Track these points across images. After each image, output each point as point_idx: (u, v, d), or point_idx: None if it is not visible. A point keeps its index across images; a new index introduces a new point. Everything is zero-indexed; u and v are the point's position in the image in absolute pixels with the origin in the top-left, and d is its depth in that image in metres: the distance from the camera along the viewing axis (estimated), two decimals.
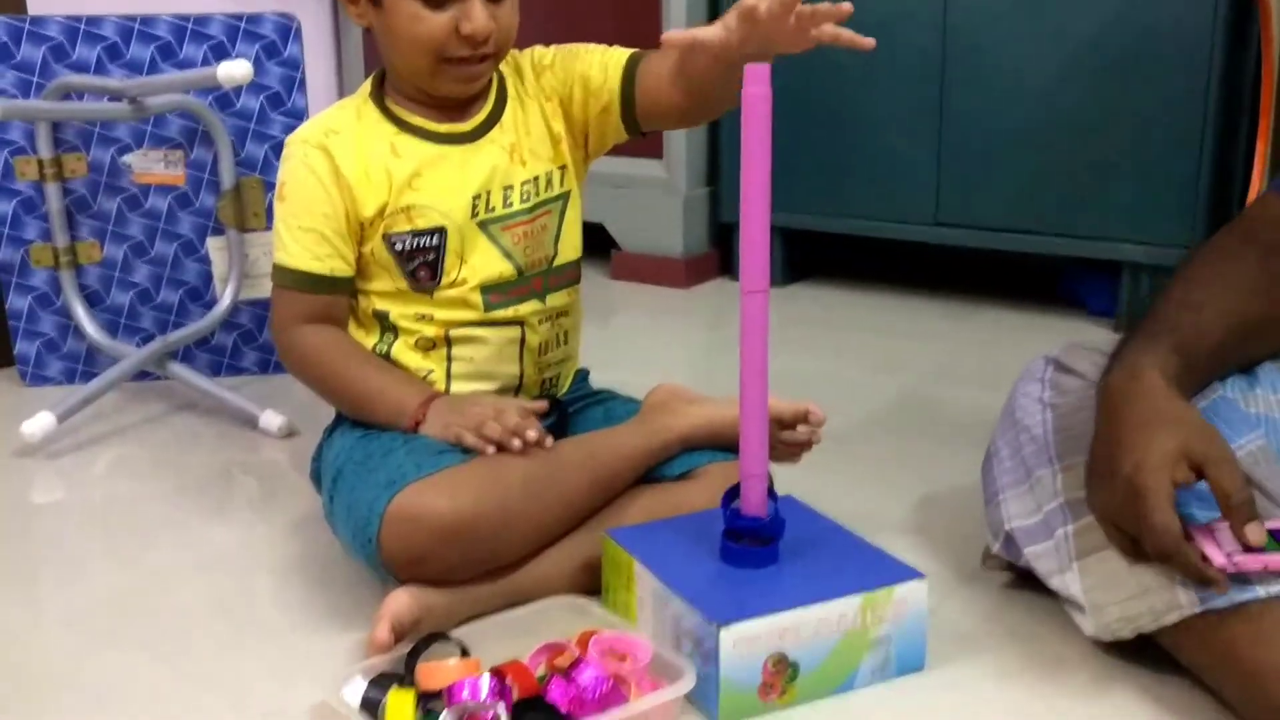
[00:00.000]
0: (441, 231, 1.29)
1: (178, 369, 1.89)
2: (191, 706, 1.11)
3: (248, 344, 2.05)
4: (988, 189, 2.37)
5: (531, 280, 1.34)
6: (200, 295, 2.01)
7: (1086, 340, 1.33)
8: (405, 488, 1.17)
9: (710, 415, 1.33)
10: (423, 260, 1.29)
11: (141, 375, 1.92)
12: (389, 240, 1.29)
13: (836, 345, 2.25)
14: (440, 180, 1.30)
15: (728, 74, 1.21)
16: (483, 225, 1.30)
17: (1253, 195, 2.05)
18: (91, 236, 1.96)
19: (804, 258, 2.66)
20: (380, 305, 1.32)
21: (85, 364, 2.01)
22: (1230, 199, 2.23)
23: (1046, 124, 2.30)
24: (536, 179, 1.33)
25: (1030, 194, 2.34)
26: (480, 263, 1.30)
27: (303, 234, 1.29)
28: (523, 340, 1.34)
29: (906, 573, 1.13)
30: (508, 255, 1.31)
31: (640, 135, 1.38)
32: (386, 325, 1.33)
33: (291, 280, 1.31)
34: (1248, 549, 1.03)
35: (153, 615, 1.28)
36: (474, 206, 1.30)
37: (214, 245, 1.96)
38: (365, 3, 1.28)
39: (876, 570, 1.13)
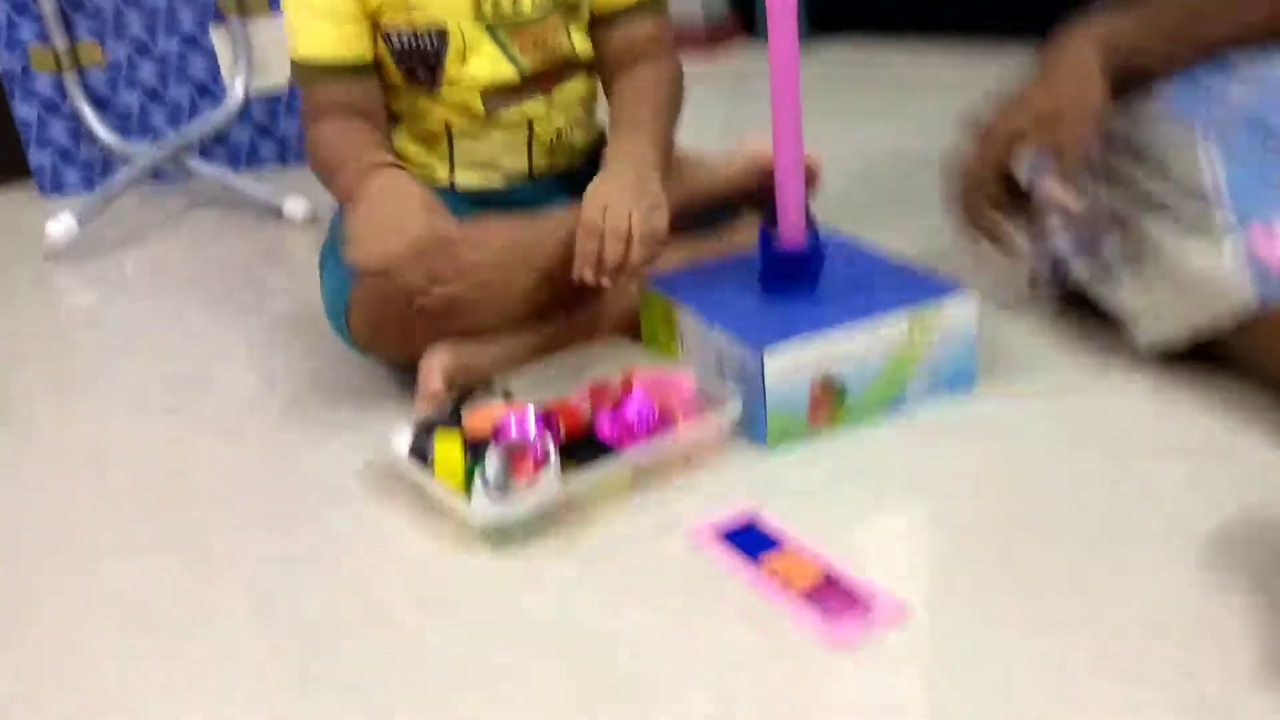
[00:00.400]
0: (442, 34, 1.20)
1: (196, 164, 1.85)
2: (244, 475, 1.12)
3: (264, 137, 2.00)
4: None
5: (538, 81, 1.25)
6: (210, 92, 1.95)
7: None
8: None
9: (708, 176, 1.30)
10: (421, 63, 1.21)
11: (159, 177, 1.89)
12: (387, 36, 1.21)
13: (866, 102, 2.17)
14: None
15: None
16: (490, 28, 1.21)
17: None
18: (90, 36, 1.90)
19: (828, 7, 2.53)
20: (387, 97, 1.25)
21: (102, 171, 1.97)
22: None
23: None
24: None
25: None
26: (480, 66, 1.22)
27: (315, 20, 1.19)
28: (530, 135, 1.27)
29: (954, 289, 1.09)
30: (513, 60, 1.23)
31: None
32: (389, 114, 1.26)
33: (310, 72, 1.21)
34: None
35: (201, 397, 1.28)
36: (477, 8, 1.20)
37: (217, 34, 1.89)
38: None
39: (923, 288, 1.10)
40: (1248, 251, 1.02)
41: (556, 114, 1.27)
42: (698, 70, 2.51)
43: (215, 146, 1.97)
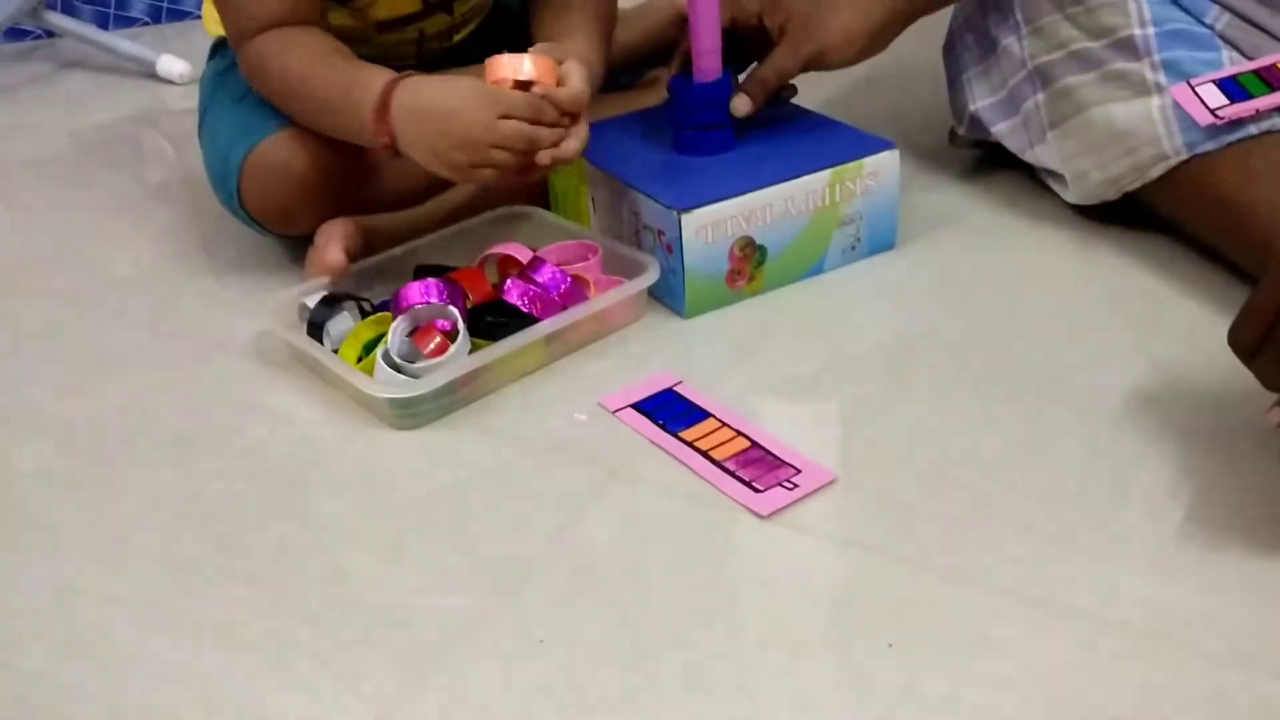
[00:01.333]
0: None
1: (59, 19, 1.71)
2: (128, 352, 1.04)
3: None
4: None
5: (436, 7, 1.14)
6: None
7: None
8: (263, 139, 1.05)
9: (624, 37, 1.19)
10: None
11: (18, 35, 1.75)
12: None
13: None
14: None
15: None
16: None
17: None
18: None
19: None
20: None
21: None
22: None
23: None
24: None
25: None
26: (388, 6, 1.11)
27: None
28: (419, 41, 1.16)
29: (876, 144, 1.05)
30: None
31: None
32: None
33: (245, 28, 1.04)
34: (1235, 93, 0.97)
35: (78, 268, 1.19)
36: None
37: None
38: None
39: (844, 144, 1.05)
40: (1174, 103, 0.99)
41: (452, 25, 1.17)
42: None
43: (81, 3, 1.82)
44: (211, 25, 1.21)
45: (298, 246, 1.11)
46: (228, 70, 1.16)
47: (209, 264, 1.16)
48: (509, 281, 0.97)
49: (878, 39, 1.06)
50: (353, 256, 1.05)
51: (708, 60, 1.04)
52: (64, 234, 1.27)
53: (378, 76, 0.98)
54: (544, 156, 0.95)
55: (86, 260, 1.21)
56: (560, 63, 0.98)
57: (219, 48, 1.21)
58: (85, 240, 1.25)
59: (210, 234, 1.21)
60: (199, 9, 1.88)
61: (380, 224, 1.09)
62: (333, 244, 1.04)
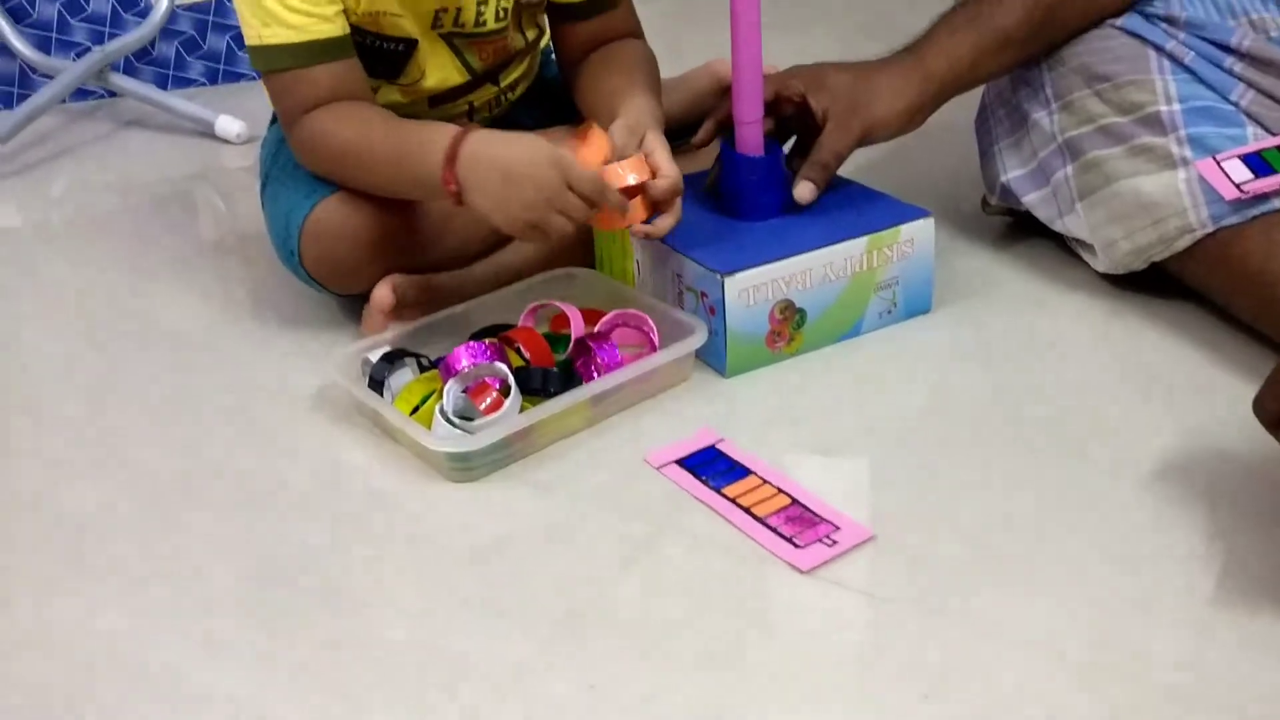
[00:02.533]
0: (411, 43, 1.13)
1: (121, 80, 1.78)
2: (189, 402, 1.09)
3: (192, 53, 1.92)
4: None
5: (487, 76, 1.20)
6: (135, 3, 1.87)
7: None
8: (323, 199, 1.10)
9: (667, 97, 1.25)
10: (382, 62, 1.14)
11: (83, 94, 1.81)
12: (358, 30, 1.11)
13: (814, 17, 2.14)
14: None
15: None
16: (449, 39, 1.15)
17: None
18: None
19: None
20: None
21: (20, 86, 1.88)
22: None
23: None
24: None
25: None
26: (437, 74, 1.16)
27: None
28: (470, 112, 1.22)
29: (913, 212, 1.09)
30: (468, 67, 1.18)
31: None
32: None
33: (292, 57, 1.06)
34: (1259, 168, 1.00)
35: (137, 320, 1.24)
36: (437, 19, 1.13)
37: None
38: None
39: (881, 212, 1.10)
40: (1199, 177, 1.02)
41: (502, 91, 1.23)
42: None
43: (141, 65, 1.90)
44: None
45: (355, 303, 1.15)
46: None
47: (266, 318, 1.21)
48: (571, 352, 1.00)
49: (916, 116, 1.12)
50: (407, 314, 1.09)
51: (750, 132, 1.09)
52: (124, 289, 1.32)
53: (444, 129, 1.03)
54: (638, 230, 1.02)
55: (146, 314, 1.26)
56: (642, 139, 1.03)
57: (273, 120, 1.26)
58: (145, 295, 1.30)
59: (268, 289, 1.26)
60: (255, 72, 1.95)
61: (435, 283, 1.14)
62: (387, 302, 1.09)
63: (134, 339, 1.20)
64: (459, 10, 1.12)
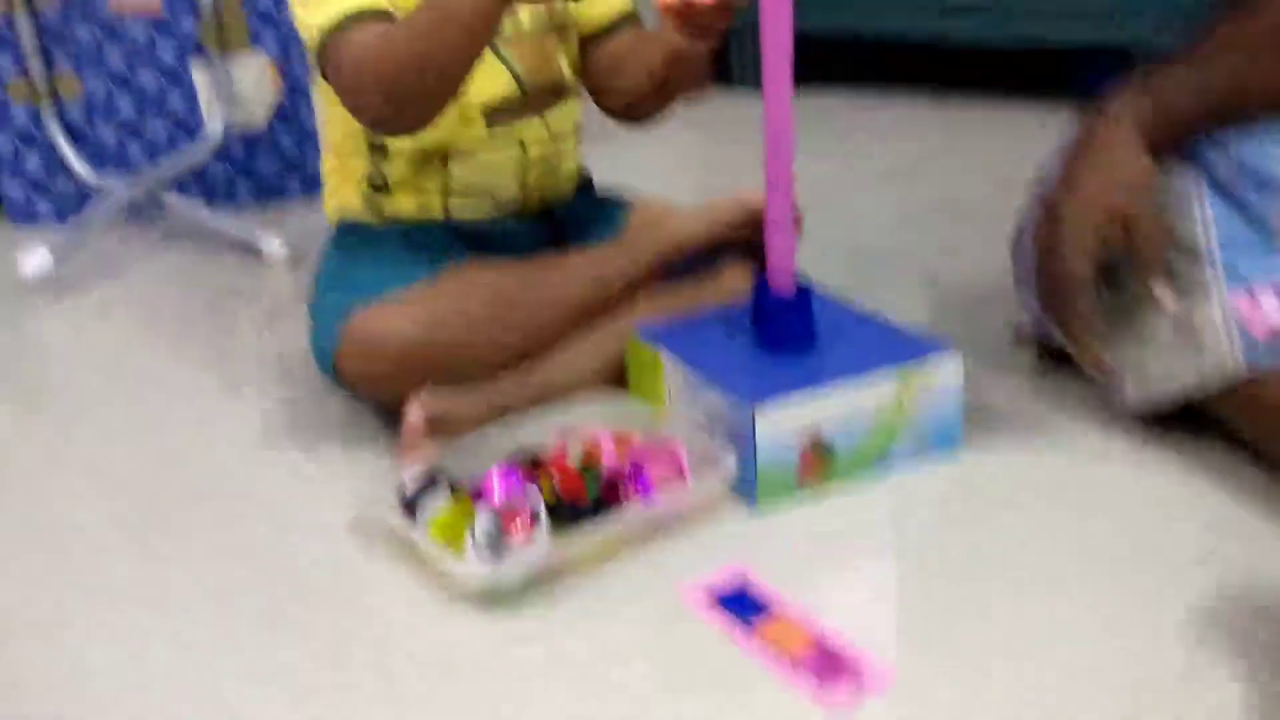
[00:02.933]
0: None
1: (172, 200, 1.84)
2: (223, 523, 1.10)
3: (241, 174, 1.99)
4: None
5: (535, 101, 1.28)
6: (188, 127, 1.94)
7: None
8: (363, 309, 1.14)
9: (693, 227, 1.29)
10: None
11: (135, 216, 1.87)
12: None
13: (845, 150, 2.19)
14: None
15: (656, 90, 1.25)
16: (491, 43, 1.21)
17: None
18: (69, 68, 1.89)
19: (802, 62, 2.56)
20: None
21: (76, 204, 1.95)
22: None
23: None
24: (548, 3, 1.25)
25: None
26: (485, 80, 1.23)
27: None
28: (523, 158, 1.29)
29: (940, 348, 1.11)
30: (513, 71, 1.25)
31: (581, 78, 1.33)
32: (376, 145, 1.26)
33: (346, 23, 1.10)
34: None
35: (177, 437, 1.27)
36: None
37: (197, 67, 1.88)
38: None
39: (909, 348, 1.11)
40: (1234, 315, 1.03)
41: (549, 138, 1.30)
42: (673, 116, 2.54)
43: (191, 183, 1.96)
44: (332, 212, 1.32)
45: (389, 420, 1.17)
46: (346, 250, 1.26)
47: (304, 441, 1.23)
48: (603, 492, 1.02)
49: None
50: (442, 430, 1.11)
51: (783, 270, 1.11)
52: (163, 403, 1.35)
53: None
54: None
55: (183, 436, 1.28)
56: None
57: (337, 234, 1.31)
58: (183, 418, 1.32)
59: (305, 410, 1.28)
60: (300, 192, 2.01)
61: (465, 400, 1.16)
62: (416, 423, 1.11)
63: (178, 457, 1.22)
64: None
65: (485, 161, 1.27)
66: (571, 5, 1.30)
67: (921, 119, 2.34)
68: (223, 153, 1.93)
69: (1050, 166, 1.24)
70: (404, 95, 1.09)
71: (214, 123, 1.85)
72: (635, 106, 1.31)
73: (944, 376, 1.10)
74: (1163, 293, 1.06)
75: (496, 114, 1.25)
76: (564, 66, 1.30)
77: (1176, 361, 1.07)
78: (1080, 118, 1.13)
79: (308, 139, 1.99)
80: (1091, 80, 2.35)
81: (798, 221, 1.31)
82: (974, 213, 1.76)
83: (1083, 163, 1.09)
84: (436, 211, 1.28)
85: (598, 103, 1.34)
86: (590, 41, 1.31)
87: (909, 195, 1.89)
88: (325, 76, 1.16)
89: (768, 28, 1.05)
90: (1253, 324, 1.02)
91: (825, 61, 2.60)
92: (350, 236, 1.29)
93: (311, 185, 2.02)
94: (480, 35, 1.08)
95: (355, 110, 1.14)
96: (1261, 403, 1.03)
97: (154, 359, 1.47)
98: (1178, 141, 1.13)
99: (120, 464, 1.22)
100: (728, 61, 2.58)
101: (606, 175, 1.45)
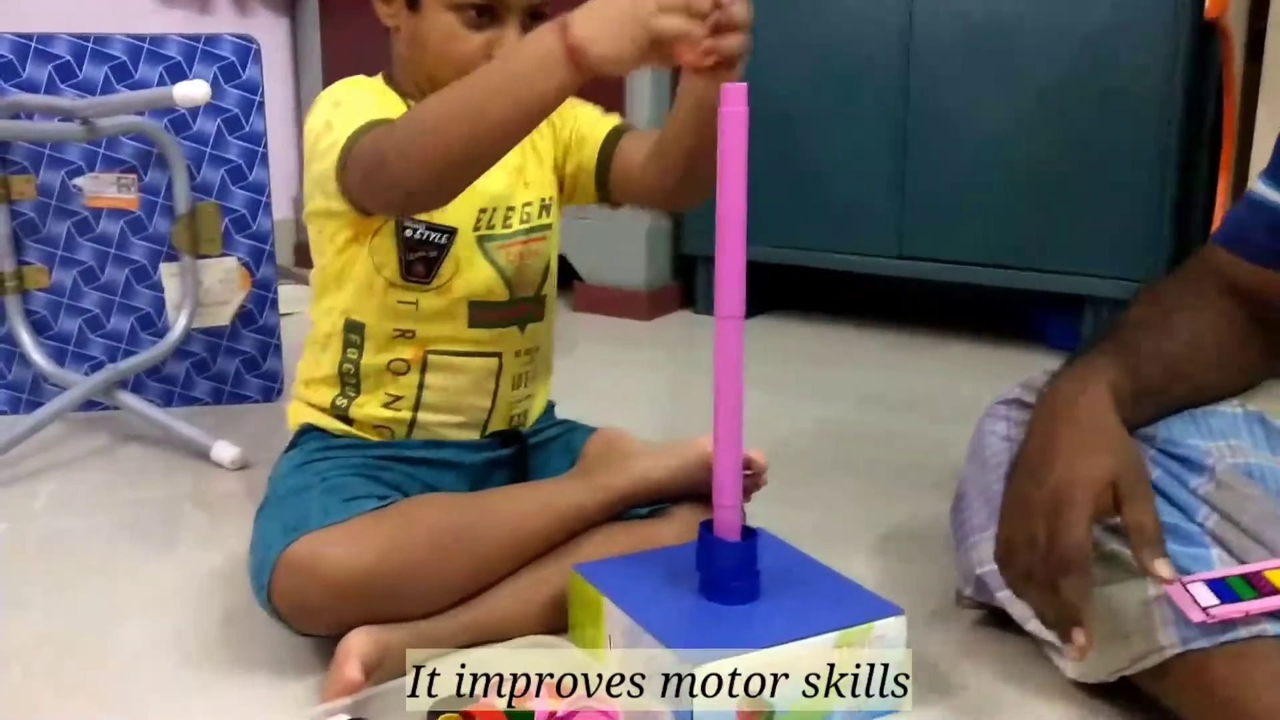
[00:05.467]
0: (453, 233, 1.26)
1: (127, 398, 1.83)
2: None
3: (200, 373, 1.99)
4: (950, 224, 2.38)
5: (517, 305, 1.31)
6: (152, 323, 1.95)
7: (1048, 375, 1.32)
8: (302, 536, 1.12)
9: (648, 471, 1.29)
10: (424, 255, 1.25)
11: (89, 405, 1.86)
12: (401, 224, 1.24)
13: (798, 379, 2.23)
14: None
15: (700, 147, 1.16)
16: (481, 240, 1.28)
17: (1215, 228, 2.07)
18: (39, 261, 1.91)
19: (765, 291, 2.64)
20: (357, 315, 1.28)
21: (30, 393, 1.94)
22: (1193, 234, 2.25)
23: (1009, 160, 2.31)
24: (533, 204, 1.33)
25: (993, 229, 2.34)
26: (474, 275, 1.28)
27: (364, 108, 1.18)
28: (499, 372, 1.31)
29: (884, 608, 1.10)
30: (501, 272, 1.29)
31: (613, 205, 1.38)
32: (354, 341, 1.28)
33: (370, 126, 1.15)
34: (1224, 594, 1.01)
35: (96, 656, 1.22)
36: (478, 220, 1.27)
37: (167, 271, 1.91)
38: (400, 4, 1.25)
39: (853, 606, 1.10)
40: (1167, 597, 1.03)
41: (525, 354, 1.33)
42: (640, 336, 2.60)
43: (150, 380, 1.96)
44: (294, 418, 1.32)
45: (325, 647, 1.14)
46: (300, 464, 1.25)
47: (237, 661, 1.19)
48: None
49: None
50: (372, 675, 1.08)
51: (729, 515, 1.11)
52: (94, 612, 1.30)
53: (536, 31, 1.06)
54: (707, 45, 1.02)
55: (109, 650, 1.24)
56: None
57: (297, 440, 1.30)
58: (110, 631, 1.28)
59: (242, 629, 1.25)
60: (259, 396, 2.01)
61: (401, 638, 1.13)
62: (350, 660, 1.08)
63: (94, 673, 1.18)
64: (493, 212, 1.27)
65: (462, 368, 1.29)
66: (573, 147, 1.34)
67: (879, 350, 2.40)
68: (183, 350, 1.94)
69: (1004, 424, 1.26)
70: (448, 145, 1.06)
71: (179, 323, 1.86)
72: (693, 159, 1.22)
73: (888, 639, 1.09)
74: (1161, 564, 1.00)
75: (480, 311, 1.28)
76: (546, 281, 1.34)
77: (1111, 639, 1.06)
78: (1047, 382, 1.14)
79: (269, 342, 2.00)
80: (1041, 323, 2.45)
81: (758, 474, 1.32)
82: (925, 450, 1.78)
83: (1062, 433, 1.06)
84: (402, 426, 1.29)
85: (662, 202, 1.40)
86: (605, 163, 1.33)
87: (860, 427, 1.92)
88: (348, 181, 1.16)
89: (719, 262, 1.07)
90: (1185, 608, 1.01)
91: (786, 292, 2.68)
92: (308, 445, 1.29)
93: (269, 388, 2.02)
94: (540, 89, 1.04)
95: (388, 184, 1.11)
96: (1197, 685, 1.01)
97: (81, 570, 1.43)
98: (1157, 406, 1.15)
99: (39, 675, 1.18)
100: (692, 282, 2.65)
101: (570, 396, 1.47)
